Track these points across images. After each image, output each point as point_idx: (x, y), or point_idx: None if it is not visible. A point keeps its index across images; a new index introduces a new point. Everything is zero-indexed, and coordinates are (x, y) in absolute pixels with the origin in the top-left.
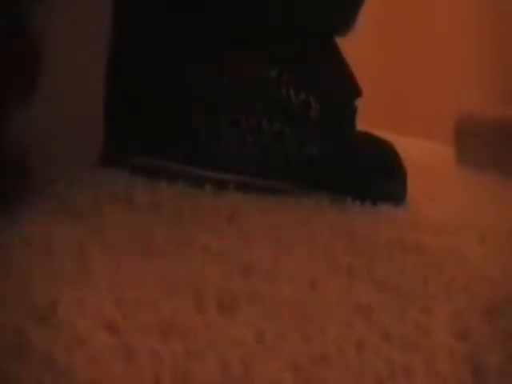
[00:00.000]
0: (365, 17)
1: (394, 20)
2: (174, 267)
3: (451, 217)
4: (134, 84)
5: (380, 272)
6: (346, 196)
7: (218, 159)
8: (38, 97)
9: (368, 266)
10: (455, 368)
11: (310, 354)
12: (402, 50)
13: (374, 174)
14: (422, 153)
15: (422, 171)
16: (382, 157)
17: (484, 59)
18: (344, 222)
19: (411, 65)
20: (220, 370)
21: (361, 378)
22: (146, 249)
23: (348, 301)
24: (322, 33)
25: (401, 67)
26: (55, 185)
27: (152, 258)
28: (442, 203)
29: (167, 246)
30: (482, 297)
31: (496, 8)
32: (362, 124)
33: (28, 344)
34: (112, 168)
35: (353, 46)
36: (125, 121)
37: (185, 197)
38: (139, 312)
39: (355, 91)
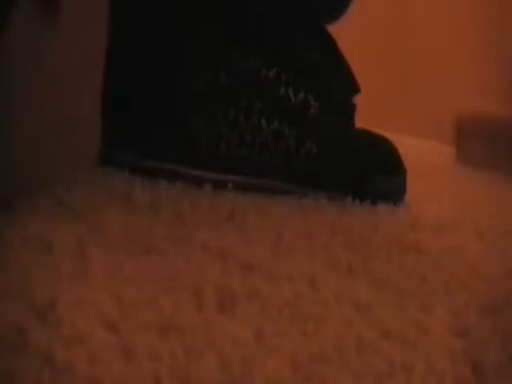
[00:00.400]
0: (365, 17)
1: (394, 19)
2: (174, 266)
3: (450, 216)
4: (132, 84)
5: (379, 270)
6: (345, 194)
7: (217, 159)
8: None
9: (367, 265)
10: (454, 365)
11: (310, 352)
12: (402, 50)
13: (374, 172)
14: (422, 153)
15: (421, 171)
16: (381, 154)
17: (484, 59)
18: (343, 220)
19: (411, 65)
20: (219, 368)
21: (360, 376)
22: (145, 247)
23: (347, 299)
24: (321, 32)
25: (401, 67)
26: (55, 185)
27: (151, 256)
28: (441, 202)
29: (166, 245)
30: (480, 295)
31: (496, 8)
32: (362, 124)
33: (27, 342)
34: (111, 168)
35: (353, 45)
36: (124, 121)
37: (184, 197)
38: (138, 310)
39: (354, 88)
